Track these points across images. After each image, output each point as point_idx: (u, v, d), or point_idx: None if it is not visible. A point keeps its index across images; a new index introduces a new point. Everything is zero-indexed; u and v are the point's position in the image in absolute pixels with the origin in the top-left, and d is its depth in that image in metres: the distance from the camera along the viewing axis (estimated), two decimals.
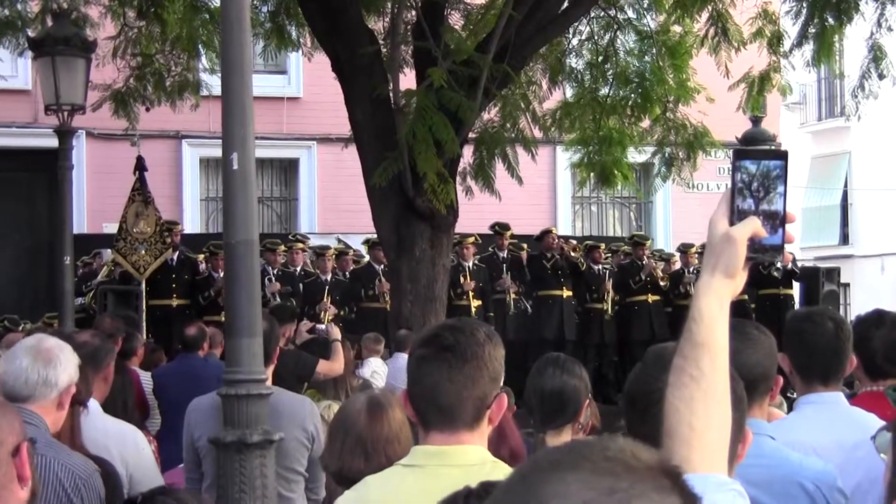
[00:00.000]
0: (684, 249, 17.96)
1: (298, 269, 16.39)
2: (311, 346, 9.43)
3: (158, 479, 4.98)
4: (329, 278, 15.95)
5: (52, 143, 12.27)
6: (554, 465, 1.28)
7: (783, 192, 2.09)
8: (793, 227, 2.12)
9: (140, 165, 15.28)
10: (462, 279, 15.82)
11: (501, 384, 2.92)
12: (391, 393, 4.33)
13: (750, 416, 3.01)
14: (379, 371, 11.40)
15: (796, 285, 18.17)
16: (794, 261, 18.00)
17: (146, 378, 9.01)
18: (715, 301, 2.06)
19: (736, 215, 2.08)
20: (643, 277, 17.07)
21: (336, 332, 9.34)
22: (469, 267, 15.91)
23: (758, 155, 2.13)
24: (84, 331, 5.81)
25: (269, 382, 5.75)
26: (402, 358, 11.36)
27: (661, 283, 17.25)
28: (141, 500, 2.73)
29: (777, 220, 2.09)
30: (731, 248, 2.06)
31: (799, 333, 4.18)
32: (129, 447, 4.96)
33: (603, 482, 1.24)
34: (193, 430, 5.65)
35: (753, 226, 2.06)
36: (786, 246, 2.11)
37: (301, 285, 16.03)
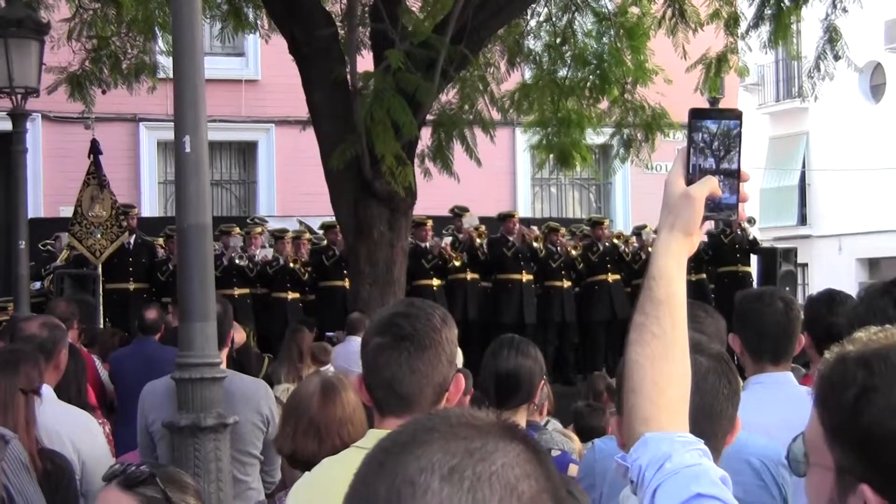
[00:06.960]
0: (638, 231, 17.97)
1: (258, 252, 16.30)
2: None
3: (111, 464, 4.94)
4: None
5: (7, 126, 12.16)
6: (407, 445, 1.32)
7: (740, 151, 2.11)
8: (746, 186, 2.14)
9: (94, 149, 15.15)
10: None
11: (457, 364, 2.89)
12: (344, 376, 4.32)
13: None
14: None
15: (754, 262, 18.25)
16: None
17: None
18: (673, 259, 2.09)
19: (697, 174, 2.10)
20: (600, 248, 17.03)
21: None
22: (427, 247, 15.88)
23: (715, 114, 2.15)
24: (34, 318, 5.74)
25: (223, 366, 5.73)
26: (355, 341, 11.28)
27: (623, 251, 17.20)
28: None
29: (734, 179, 2.11)
30: (689, 207, 2.08)
31: (749, 314, 4.21)
32: (81, 433, 4.93)
33: (458, 446, 1.30)
34: (147, 414, 5.62)
35: (711, 185, 2.09)
36: (740, 204, 2.14)
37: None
